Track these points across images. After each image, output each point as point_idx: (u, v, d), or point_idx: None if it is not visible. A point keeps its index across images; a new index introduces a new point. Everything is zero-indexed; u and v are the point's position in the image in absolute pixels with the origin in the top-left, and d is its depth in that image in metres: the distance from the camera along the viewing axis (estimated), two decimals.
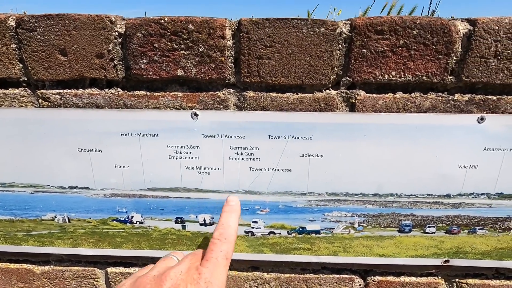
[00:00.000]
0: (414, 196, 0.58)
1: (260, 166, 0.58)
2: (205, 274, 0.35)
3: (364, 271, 0.67)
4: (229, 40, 0.52)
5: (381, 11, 1.45)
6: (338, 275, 0.66)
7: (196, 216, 0.62)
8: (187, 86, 0.56)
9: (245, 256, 0.65)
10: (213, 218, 0.62)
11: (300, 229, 0.62)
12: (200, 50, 0.52)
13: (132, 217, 0.62)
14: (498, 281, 0.65)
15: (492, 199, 0.58)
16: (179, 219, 0.62)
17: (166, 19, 0.51)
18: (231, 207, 0.44)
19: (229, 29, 0.51)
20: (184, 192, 0.60)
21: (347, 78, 0.53)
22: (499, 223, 0.60)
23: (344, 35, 0.51)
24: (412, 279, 0.66)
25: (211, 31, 0.51)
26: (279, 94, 0.55)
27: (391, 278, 0.66)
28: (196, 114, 0.55)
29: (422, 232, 0.61)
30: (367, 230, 0.61)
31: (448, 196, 0.58)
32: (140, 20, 0.51)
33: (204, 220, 0.62)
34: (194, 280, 0.34)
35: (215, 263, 0.36)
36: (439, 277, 0.66)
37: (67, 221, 0.63)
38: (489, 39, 0.49)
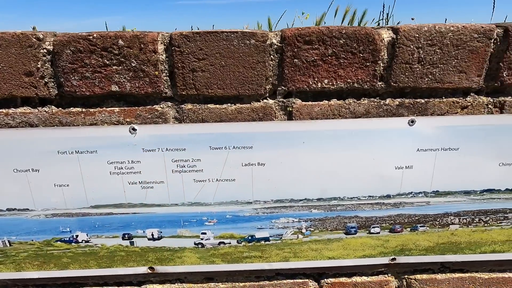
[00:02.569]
0: (356, 199, 0.60)
1: (204, 178, 0.58)
2: None
3: (318, 274, 0.68)
4: (161, 54, 0.52)
5: (335, 16, 1.49)
6: (292, 280, 0.67)
7: (144, 231, 0.61)
8: (124, 101, 0.55)
9: (197, 268, 0.64)
10: (161, 232, 0.61)
11: (250, 238, 0.62)
12: (133, 65, 0.51)
13: (77, 236, 0.61)
14: (444, 274, 0.68)
15: (430, 197, 0.61)
16: (126, 235, 0.61)
17: (95, 35, 0.50)
18: None
19: (162, 43, 0.51)
20: (129, 207, 0.59)
21: (283, 87, 0.54)
22: (438, 220, 0.62)
23: (275, 46, 0.52)
24: (364, 278, 0.68)
25: (142, 45, 0.51)
26: (217, 106, 0.55)
27: (343, 280, 0.68)
28: (134, 129, 0.54)
29: (367, 233, 0.63)
30: (315, 234, 0.62)
31: (388, 196, 0.60)
32: (68, 36, 0.50)
33: (152, 235, 0.61)
34: None
35: None
36: (389, 274, 0.68)
37: (8, 244, 0.61)
38: (412, 46, 0.52)
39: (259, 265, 0.64)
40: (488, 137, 0.57)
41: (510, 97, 0.56)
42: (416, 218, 0.62)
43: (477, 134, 0.56)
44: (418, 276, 0.68)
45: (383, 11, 1.53)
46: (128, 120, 0.55)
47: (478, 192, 0.60)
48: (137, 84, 0.53)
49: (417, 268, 0.68)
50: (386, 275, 0.68)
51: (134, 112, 0.55)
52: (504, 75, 0.54)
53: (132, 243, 0.62)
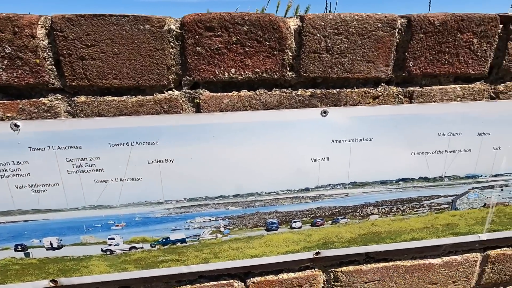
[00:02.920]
0: (275, 193, 0.58)
1: (106, 177, 0.52)
2: None
3: (243, 273, 0.65)
4: (42, 40, 0.45)
5: (276, 11, 1.49)
6: (216, 282, 0.64)
7: (40, 240, 0.54)
8: (4, 93, 0.48)
9: (108, 277, 0.59)
10: (61, 240, 0.55)
11: (164, 240, 0.58)
12: (7, 51, 0.45)
13: None
14: (369, 265, 0.69)
15: (348, 188, 0.60)
16: (19, 246, 0.54)
17: None
18: None
19: (42, 27, 0.45)
20: (19, 214, 0.52)
21: (188, 77, 0.50)
22: (358, 211, 0.62)
23: (175, 32, 0.48)
24: (291, 275, 0.66)
25: (16, 29, 0.44)
26: (115, 98, 0.50)
27: (270, 277, 0.66)
28: (16, 125, 0.48)
29: (289, 228, 0.61)
30: (234, 232, 0.60)
31: (307, 189, 0.59)
32: None
33: (51, 244, 0.55)
34: None
35: None
36: (316, 269, 0.67)
37: None
38: (318, 35, 0.51)
39: (178, 269, 0.60)
40: (399, 126, 0.57)
41: (418, 87, 0.57)
42: (337, 210, 0.62)
43: (389, 124, 0.57)
44: (345, 269, 0.68)
45: (326, 7, 1.55)
46: (9, 115, 0.48)
47: (394, 181, 0.61)
48: (15, 73, 0.46)
49: (343, 261, 0.68)
50: (313, 270, 0.67)
51: (16, 106, 0.48)
52: (411, 65, 0.55)
53: (27, 255, 0.55)
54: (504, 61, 0.57)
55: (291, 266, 0.66)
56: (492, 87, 0.59)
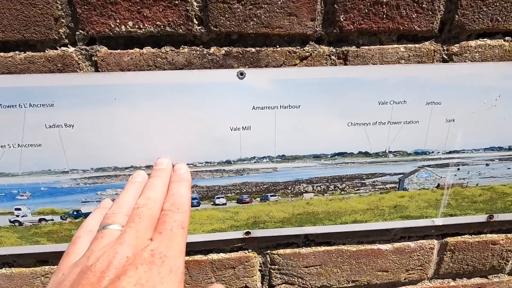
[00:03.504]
0: (192, 165, 0.53)
1: (2, 143, 0.49)
2: (159, 248, 0.29)
3: None
4: None
5: None
6: None
7: None
8: None
9: (22, 250, 0.56)
10: None
11: (75, 213, 0.54)
12: None
13: None
14: (309, 248, 0.63)
15: (276, 162, 0.54)
16: None
17: None
18: (179, 176, 0.40)
19: None
20: None
21: (81, 31, 0.45)
22: (289, 188, 0.57)
23: None
24: (222, 255, 0.62)
25: None
26: (1, 54, 0.45)
27: (198, 257, 0.61)
28: None
29: (212, 204, 0.56)
30: None
31: (228, 162, 0.53)
32: None
33: None
34: (146, 260, 0.28)
35: (170, 234, 0.31)
36: (250, 250, 0.63)
37: None
38: None
39: None
40: (332, 92, 0.50)
41: (354, 46, 0.50)
42: (265, 186, 0.56)
43: (319, 89, 0.50)
44: (281, 251, 0.63)
45: None
46: None
47: (329, 156, 0.54)
48: None
49: (279, 242, 0.62)
50: (246, 251, 0.62)
51: None
52: (342, 20, 0.47)
53: None
54: (457, 15, 0.48)
55: (221, 246, 0.61)
56: (445, 48, 0.51)
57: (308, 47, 0.49)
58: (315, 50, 0.49)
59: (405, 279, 0.68)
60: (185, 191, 0.38)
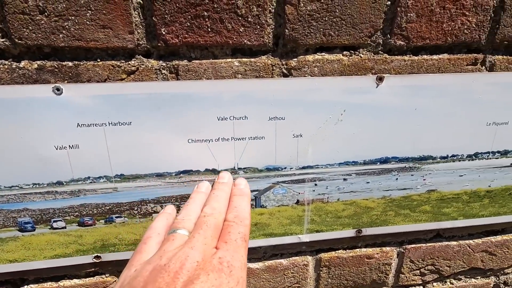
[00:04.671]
0: (18, 188, 0.49)
1: None
2: (226, 257, 0.31)
3: (20, 280, 0.56)
4: None
5: None
6: None
7: None
8: None
9: None
10: None
11: None
12: None
13: None
14: None
15: (115, 182, 0.51)
16: None
17: None
18: (241, 190, 0.42)
19: None
20: None
21: None
22: (135, 208, 0.53)
23: None
24: (76, 281, 0.57)
25: None
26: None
27: (48, 285, 0.57)
28: None
29: (50, 228, 0.52)
30: None
31: (60, 183, 0.49)
32: None
33: None
34: (215, 267, 0.29)
35: (235, 245, 0.32)
36: (107, 274, 0.58)
37: None
38: None
39: None
40: (165, 108, 0.47)
41: (185, 60, 0.48)
42: (107, 207, 0.52)
43: (150, 105, 0.47)
44: None
45: None
46: None
47: (174, 174, 0.52)
48: None
49: None
50: (103, 276, 0.58)
51: None
52: (164, 33, 0.45)
53: None
54: (287, 30, 0.47)
55: (73, 272, 0.57)
56: (283, 62, 0.50)
57: (134, 61, 0.47)
58: (142, 64, 0.47)
59: None
60: (247, 205, 0.39)
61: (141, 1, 0.44)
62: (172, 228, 0.34)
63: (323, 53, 0.50)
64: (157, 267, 0.28)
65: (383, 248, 0.65)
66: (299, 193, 0.57)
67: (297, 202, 0.57)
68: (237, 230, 0.34)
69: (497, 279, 0.75)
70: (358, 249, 0.65)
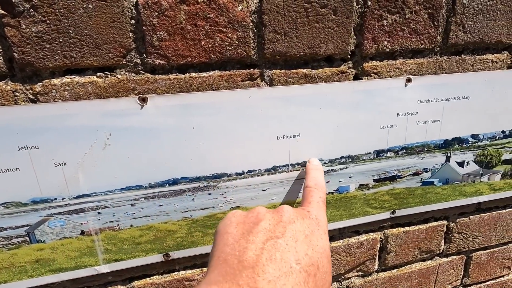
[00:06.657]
0: None
1: None
2: (313, 212, 0.38)
3: None
4: None
5: None
6: None
7: None
8: None
9: None
10: None
11: None
12: None
13: None
14: None
15: None
16: None
17: None
18: (316, 166, 0.53)
19: None
20: None
21: None
22: None
23: None
24: None
25: None
26: None
27: None
28: None
29: None
30: None
31: None
32: None
33: None
34: (306, 216, 0.37)
35: (318, 205, 0.40)
36: None
37: None
38: None
39: None
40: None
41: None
42: None
43: None
44: None
45: None
46: None
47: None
48: None
49: None
50: None
51: None
52: None
53: None
54: (16, 53, 0.43)
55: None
56: (28, 87, 0.46)
57: None
58: None
59: None
60: (322, 176, 0.49)
61: None
62: None
63: (73, 76, 0.47)
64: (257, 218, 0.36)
65: (204, 268, 0.64)
66: (82, 223, 0.53)
67: (82, 233, 0.53)
68: (318, 195, 0.42)
69: (340, 284, 0.76)
70: (176, 273, 0.62)
